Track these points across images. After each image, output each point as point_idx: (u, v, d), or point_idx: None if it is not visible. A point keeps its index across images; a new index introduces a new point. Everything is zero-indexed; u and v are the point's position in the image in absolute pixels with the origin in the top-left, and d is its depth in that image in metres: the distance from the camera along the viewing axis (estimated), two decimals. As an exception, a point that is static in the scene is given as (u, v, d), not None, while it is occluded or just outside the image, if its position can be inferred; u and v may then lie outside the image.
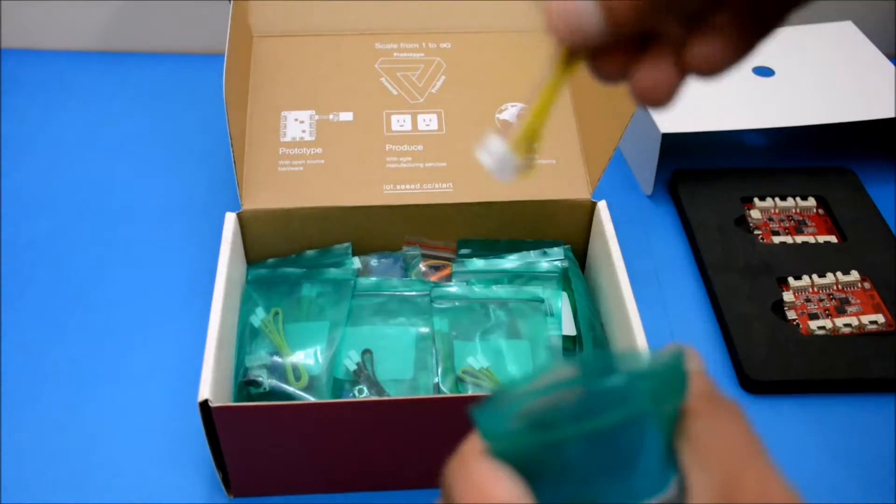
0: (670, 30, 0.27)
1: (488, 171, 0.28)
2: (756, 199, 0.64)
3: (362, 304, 0.52)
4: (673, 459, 0.24)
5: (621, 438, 0.23)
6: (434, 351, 0.50)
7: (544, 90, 0.28)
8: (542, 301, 0.52)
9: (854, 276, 0.58)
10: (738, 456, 0.24)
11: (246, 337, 0.50)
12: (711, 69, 0.27)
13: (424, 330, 0.51)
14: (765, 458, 0.24)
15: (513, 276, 0.54)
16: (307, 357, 0.49)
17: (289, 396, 0.47)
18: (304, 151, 0.55)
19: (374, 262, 0.55)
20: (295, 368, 0.49)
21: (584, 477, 0.23)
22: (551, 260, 0.55)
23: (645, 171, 0.66)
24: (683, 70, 0.27)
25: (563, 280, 0.54)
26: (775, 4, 0.27)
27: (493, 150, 0.28)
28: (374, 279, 0.54)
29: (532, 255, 0.55)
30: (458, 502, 0.24)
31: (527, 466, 0.24)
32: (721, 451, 0.24)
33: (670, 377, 0.24)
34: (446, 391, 0.48)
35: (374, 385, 0.48)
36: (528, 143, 0.28)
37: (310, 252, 0.55)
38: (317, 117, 0.57)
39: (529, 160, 0.28)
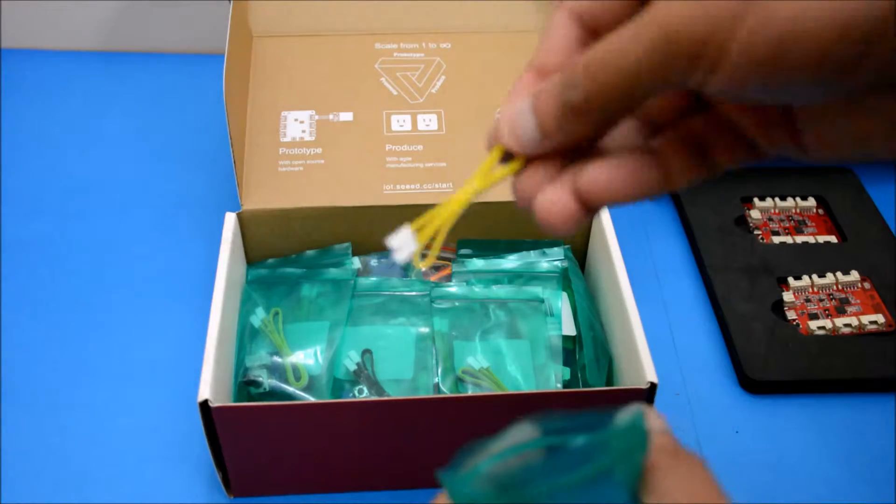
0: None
1: (391, 250, 0.30)
2: (756, 199, 0.64)
3: (362, 304, 0.52)
4: None
5: (586, 497, 0.24)
6: (434, 351, 0.50)
7: (458, 196, 0.30)
8: (542, 301, 0.52)
9: (854, 276, 0.58)
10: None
11: (246, 337, 0.50)
12: (597, 197, 0.26)
13: (424, 330, 0.51)
14: None
15: (513, 276, 0.54)
16: (307, 357, 0.49)
17: (289, 396, 0.47)
18: (304, 151, 0.55)
19: (374, 262, 0.55)
20: (295, 368, 0.49)
21: None
22: (551, 260, 0.55)
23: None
24: (577, 194, 0.26)
25: (563, 280, 0.54)
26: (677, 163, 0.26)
27: (399, 236, 0.30)
28: (374, 279, 0.54)
29: (532, 255, 0.55)
30: None
31: None
32: (686, 501, 0.25)
33: (631, 436, 0.25)
34: (446, 391, 0.48)
35: (374, 385, 0.48)
36: (430, 236, 0.30)
37: (310, 252, 0.55)
38: (317, 117, 0.57)
39: (427, 251, 0.31)
